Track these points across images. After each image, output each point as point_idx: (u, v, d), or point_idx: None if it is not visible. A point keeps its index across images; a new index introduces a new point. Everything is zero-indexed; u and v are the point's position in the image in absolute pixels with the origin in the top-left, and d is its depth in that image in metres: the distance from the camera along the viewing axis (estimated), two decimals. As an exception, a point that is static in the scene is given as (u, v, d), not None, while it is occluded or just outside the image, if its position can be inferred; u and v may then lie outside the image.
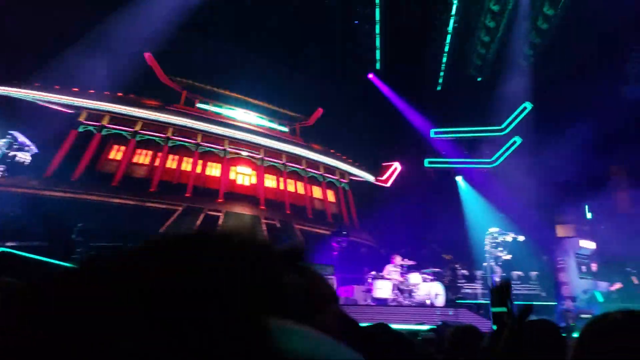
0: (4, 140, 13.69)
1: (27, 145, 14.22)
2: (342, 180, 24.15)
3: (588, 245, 13.59)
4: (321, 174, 23.42)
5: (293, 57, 19.94)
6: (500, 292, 2.13)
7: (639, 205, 16.16)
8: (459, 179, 20.35)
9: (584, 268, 13.21)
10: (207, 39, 19.09)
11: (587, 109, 14.67)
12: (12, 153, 13.90)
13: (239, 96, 21.91)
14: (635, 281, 13.14)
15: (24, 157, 14.19)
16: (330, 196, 23.77)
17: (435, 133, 20.21)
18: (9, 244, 8.85)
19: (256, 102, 22.28)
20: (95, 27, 16.41)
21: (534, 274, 14.26)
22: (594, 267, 13.46)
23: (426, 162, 20.93)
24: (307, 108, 22.94)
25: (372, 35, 18.60)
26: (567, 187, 15.09)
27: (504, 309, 2.05)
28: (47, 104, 18.33)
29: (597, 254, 14.06)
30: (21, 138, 14.02)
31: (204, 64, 20.22)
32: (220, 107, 21.92)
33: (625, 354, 1.18)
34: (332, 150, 23.70)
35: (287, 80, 20.58)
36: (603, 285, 13.02)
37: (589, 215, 16.42)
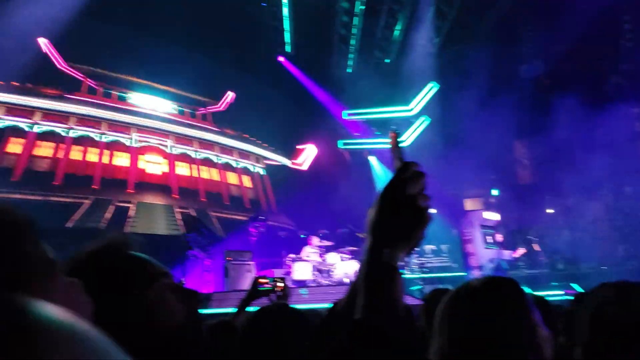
0: None
1: None
2: (257, 165, 23.90)
3: (492, 216, 14.31)
4: (235, 160, 23.04)
5: (201, 42, 19.26)
6: None
7: (539, 177, 17.30)
8: (372, 159, 20.73)
9: (489, 238, 13.90)
10: (110, 25, 18.02)
11: (490, 87, 15.37)
12: None
13: (145, 82, 20.96)
14: (536, 248, 14.09)
15: None
16: (247, 181, 23.46)
17: (348, 115, 20.41)
18: None
19: (164, 87, 21.42)
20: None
21: (444, 247, 14.90)
22: (498, 237, 14.22)
23: (340, 144, 21.14)
24: (218, 93, 22.36)
25: (280, 17, 18.30)
26: (474, 162, 15.77)
27: None
28: None
29: (502, 225, 14.88)
30: None
31: (106, 51, 19.06)
32: (125, 93, 20.88)
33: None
34: (245, 135, 23.34)
35: (196, 65, 19.87)
36: (506, 253, 13.81)
37: (494, 192, 17.32)
